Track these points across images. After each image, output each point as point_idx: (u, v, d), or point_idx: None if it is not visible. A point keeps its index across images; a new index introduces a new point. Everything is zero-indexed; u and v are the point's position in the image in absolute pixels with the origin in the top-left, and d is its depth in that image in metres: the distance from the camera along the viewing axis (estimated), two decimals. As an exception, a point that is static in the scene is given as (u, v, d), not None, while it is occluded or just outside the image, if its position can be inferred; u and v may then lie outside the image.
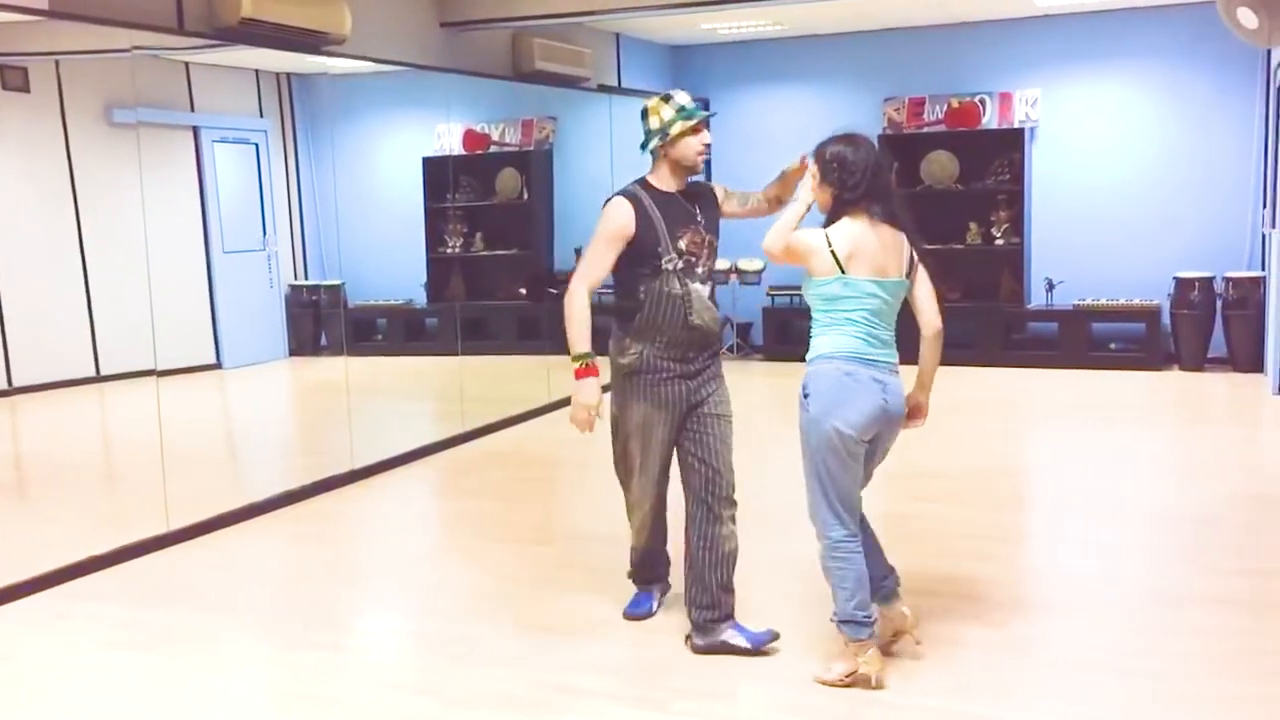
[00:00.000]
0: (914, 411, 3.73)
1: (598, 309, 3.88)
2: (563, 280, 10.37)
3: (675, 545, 4.20)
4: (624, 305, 3.94)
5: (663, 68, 10.98)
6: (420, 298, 8.80)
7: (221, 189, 7.34)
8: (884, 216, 3.58)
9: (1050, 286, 9.84)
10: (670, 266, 3.85)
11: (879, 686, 3.56)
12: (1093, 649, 3.90)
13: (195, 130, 7.11)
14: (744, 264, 10.45)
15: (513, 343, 9.46)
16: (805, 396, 3.56)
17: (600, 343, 3.91)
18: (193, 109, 7.08)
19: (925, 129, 10.25)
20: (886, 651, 3.77)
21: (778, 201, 4.10)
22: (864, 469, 3.66)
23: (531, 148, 9.56)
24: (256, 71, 7.58)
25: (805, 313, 3.71)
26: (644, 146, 3.96)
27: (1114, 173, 9.87)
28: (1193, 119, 9.62)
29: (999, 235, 9.97)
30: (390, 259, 8.75)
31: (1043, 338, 9.97)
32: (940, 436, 6.01)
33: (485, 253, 9.32)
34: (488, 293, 9.37)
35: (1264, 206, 9.02)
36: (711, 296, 3.97)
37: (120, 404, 6.70)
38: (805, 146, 3.81)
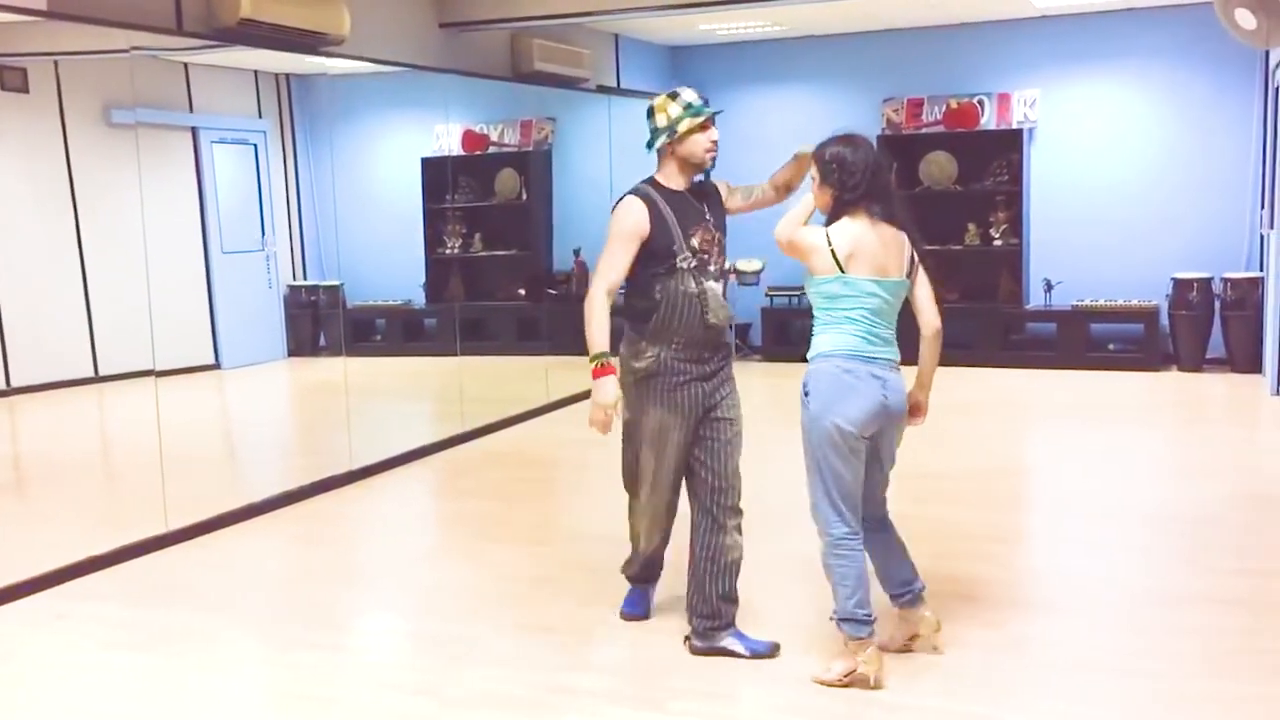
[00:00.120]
0: (914, 410, 3.76)
1: (611, 311, 3.82)
2: (562, 281, 10.37)
3: (675, 546, 4.18)
4: (639, 306, 3.88)
5: (662, 68, 10.98)
6: (419, 298, 8.79)
7: (220, 189, 7.34)
8: (884, 216, 3.59)
9: (1049, 287, 9.84)
10: (685, 265, 3.82)
11: (878, 686, 3.56)
12: (1092, 649, 3.90)
13: (194, 131, 7.11)
14: (743, 264, 10.41)
15: (511, 343, 9.44)
16: (806, 394, 3.58)
17: (611, 347, 3.84)
18: (191, 109, 7.09)
19: (924, 130, 10.24)
20: (901, 651, 3.78)
21: (787, 189, 4.05)
22: (872, 471, 3.67)
23: (530, 148, 9.56)
24: (255, 72, 7.58)
25: (804, 313, 3.72)
26: (650, 145, 3.90)
27: (1112, 173, 9.87)
28: (1191, 120, 9.62)
29: (997, 236, 9.97)
30: (389, 259, 8.74)
31: (1041, 338, 9.97)
32: (940, 437, 6.02)
33: (484, 253, 9.32)
34: (487, 293, 9.37)
35: (1262, 207, 9.02)
36: (724, 294, 3.95)
37: (119, 404, 6.71)
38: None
